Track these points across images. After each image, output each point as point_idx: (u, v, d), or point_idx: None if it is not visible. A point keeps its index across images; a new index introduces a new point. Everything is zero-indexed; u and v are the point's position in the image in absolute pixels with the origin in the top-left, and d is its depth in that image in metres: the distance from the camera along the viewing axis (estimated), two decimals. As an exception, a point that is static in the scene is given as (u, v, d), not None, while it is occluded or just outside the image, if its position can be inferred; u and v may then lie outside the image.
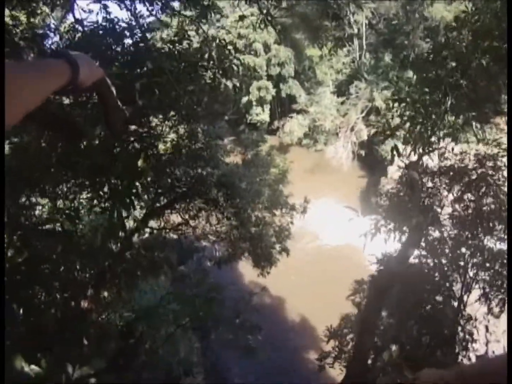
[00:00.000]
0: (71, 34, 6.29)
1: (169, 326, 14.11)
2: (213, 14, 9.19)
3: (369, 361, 9.31)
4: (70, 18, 8.02)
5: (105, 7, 7.68)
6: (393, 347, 9.20)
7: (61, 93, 1.46)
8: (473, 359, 9.53)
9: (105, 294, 12.86)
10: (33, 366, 5.57)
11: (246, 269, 22.32)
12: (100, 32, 5.53)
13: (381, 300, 8.64)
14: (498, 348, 15.64)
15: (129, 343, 10.12)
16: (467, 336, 9.38)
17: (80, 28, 6.42)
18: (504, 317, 9.91)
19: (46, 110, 4.03)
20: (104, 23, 5.91)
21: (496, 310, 9.17)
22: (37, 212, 9.29)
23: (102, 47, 5.29)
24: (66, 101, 5.11)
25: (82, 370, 6.65)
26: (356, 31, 44.81)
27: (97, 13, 8.04)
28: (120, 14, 7.74)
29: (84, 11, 7.93)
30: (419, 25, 41.03)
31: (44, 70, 1.31)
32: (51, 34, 7.75)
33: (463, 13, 8.05)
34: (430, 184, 9.30)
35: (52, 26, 7.94)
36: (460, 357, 9.18)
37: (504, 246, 8.95)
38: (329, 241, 33.11)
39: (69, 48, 5.50)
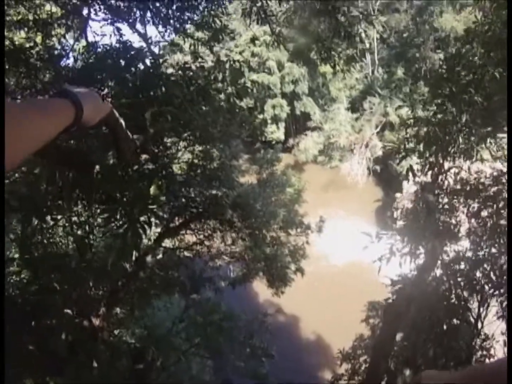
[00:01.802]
0: (85, 56, 6.34)
1: (182, 345, 14.05)
2: (225, 37, 9.23)
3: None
4: (83, 42, 8.13)
5: (118, 29, 7.78)
6: (407, 372, 9.02)
7: (65, 133, 1.42)
8: None
9: (118, 311, 12.85)
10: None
11: (260, 288, 22.18)
12: (113, 54, 5.56)
13: (397, 326, 8.50)
14: None
15: (142, 361, 10.08)
16: (484, 354, 9.19)
17: (93, 50, 6.50)
18: None
19: (61, 146, 4.06)
20: (117, 45, 5.95)
21: None
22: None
23: (115, 70, 5.31)
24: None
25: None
26: (368, 46, 44.89)
27: (110, 36, 8.15)
28: (132, 37, 7.84)
29: (97, 34, 8.03)
30: (429, 36, 41.05)
31: (47, 112, 1.28)
32: (66, 55, 7.87)
33: (474, 23, 7.96)
34: (446, 200, 9.17)
35: (67, 47, 8.03)
36: None
37: None
38: (344, 261, 32.84)
39: (83, 69, 5.55)
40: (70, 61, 7.72)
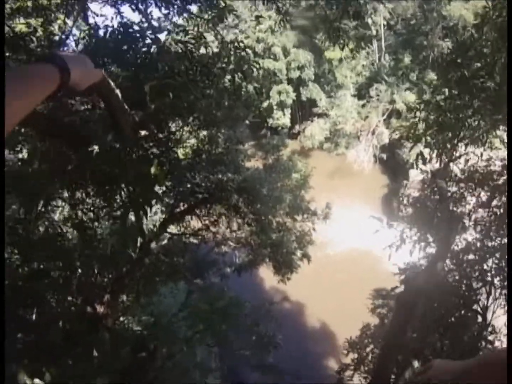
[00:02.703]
0: (86, 40, 6.21)
1: (187, 332, 14.02)
2: (229, 16, 9.02)
3: (393, 376, 9.06)
4: (84, 24, 7.98)
5: (119, 12, 7.60)
6: (416, 363, 8.91)
7: (52, 98, 1.36)
8: None
9: (124, 298, 12.81)
10: (36, 380, 5.41)
11: (266, 274, 22.12)
12: (114, 36, 5.40)
13: (408, 317, 8.37)
14: None
15: (146, 348, 10.01)
16: (492, 348, 9.10)
17: (94, 33, 6.35)
18: None
19: (53, 118, 3.91)
20: (118, 27, 5.79)
21: None
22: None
23: (117, 52, 5.17)
24: (75, 107, 5.03)
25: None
26: (374, 32, 44.49)
27: (112, 18, 7.98)
28: (133, 16, 7.66)
29: (97, 15, 7.87)
30: (437, 24, 40.57)
31: (31, 79, 1.24)
32: (67, 41, 7.73)
33: (485, 8, 7.74)
34: (454, 189, 9.01)
35: (67, 32, 7.89)
36: None
37: None
38: (352, 247, 32.75)
39: (85, 53, 5.41)
40: (72, 46, 7.61)
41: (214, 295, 15.82)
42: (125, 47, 5.04)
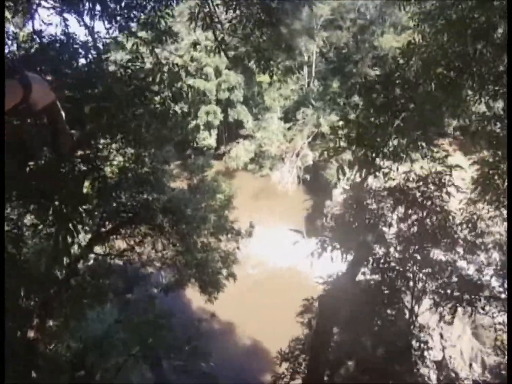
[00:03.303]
0: (29, 44, 6.11)
1: (119, 356, 13.69)
2: (168, 39, 9.14)
3: (326, 378, 9.31)
4: (29, 27, 7.82)
5: (65, 20, 7.51)
6: (350, 362, 9.22)
7: (12, 113, 1.43)
8: (431, 366, 9.72)
9: (51, 323, 12.38)
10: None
11: (193, 295, 21.98)
12: (57, 45, 5.38)
13: (332, 318, 8.69)
14: (455, 352, 15.95)
15: (80, 375, 9.68)
16: (422, 345, 9.56)
17: (38, 39, 6.25)
18: (457, 323, 10.23)
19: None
20: (62, 37, 5.77)
21: (448, 317, 9.39)
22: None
23: (57, 61, 5.15)
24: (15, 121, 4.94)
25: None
26: (306, 58, 45.77)
27: (56, 26, 7.85)
28: (78, 30, 7.60)
29: (44, 23, 7.73)
30: (368, 54, 42.43)
31: None
32: (9, 42, 7.52)
33: (411, 44, 8.35)
34: (374, 206, 9.48)
35: (11, 33, 7.69)
36: (418, 365, 9.37)
37: (450, 257, 9.26)
38: (276, 265, 33.21)
39: (24, 58, 5.35)
40: (13, 48, 7.41)
41: (143, 309, 15.62)
42: (65, 58, 5.04)
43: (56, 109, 2.66)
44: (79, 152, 4.50)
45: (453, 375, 15.36)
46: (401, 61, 8.50)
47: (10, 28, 8.02)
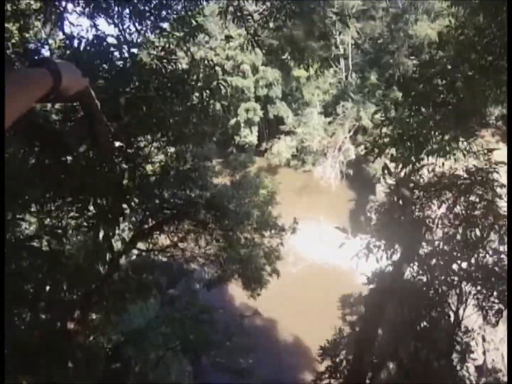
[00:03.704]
0: (61, 50, 6.24)
1: (159, 349, 13.89)
2: (200, 35, 9.17)
3: (367, 380, 9.19)
4: (60, 34, 8.00)
5: (94, 24, 7.67)
6: (391, 365, 9.06)
7: (44, 101, 1.44)
8: (472, 369, 9.44)
9: (93, 316, 12.65)
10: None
11: (236, 291, 22.12)
12: (89, 48, 5.47)
13: (378, 317, 8.55)
14: (497, 355, 15.47)
15: (117, 366, 9.87)
16: (464, 348, 9.31)
17: (69, 43, 6.39)
18: (500, 325, 9.88)
19: (33, 123, 3.95)
20: (93, 40, 5.87)
21: (492, 319, 9.08)
22: (25, 230, 9.11)
23: (92, 63, 5.24)
24: (53, 115, 5.05)
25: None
26: (342, 51, 45.41)
27: (87, 30, 8.03)
28: (108, 29, 7.74)
29: (74, 25, 7.90)
30: (403, 43, 41.72)
31: (25, 81, 1.31)
32: (42, 50, 7.73)
33: (447, 27, 8.10)
34: (419, 202, 9.27)
35: (43, 41, 7.89)
36: (459, 368, 9.13)
37: (498, 258, 8.94)
38: (319, 262, 33.00)
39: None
40: (47, 55, 7.59)
41: (185, 304, 15.80)
42: (99, 59, 5.11)
43: (90, 96, 2.69)
44: (118, 144, 4.53)
45: (494, 379, 14.90)
46: (437, 49, 8.26)
47: (42, 36, 8.22)
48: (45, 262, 7.03)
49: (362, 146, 32.41)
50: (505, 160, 8.01)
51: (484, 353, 14.57)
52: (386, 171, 8.13)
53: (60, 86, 1.43)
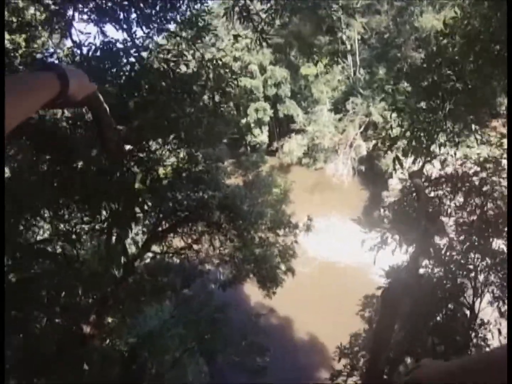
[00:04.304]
0: (70, 58, 6.28)
1: (175, 351, 13.93)
2: (208, 34, 9.19)
3: (385, 376, 9.14)
4: (68, 42, 8.05)
5: (102, 30, 7.70)
6: (408, 359, 8.99)
7: (51, 106, 1.42)
8: None
9: (109, 320, 12.73)
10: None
11: (251, 290, 22.08)
12: (97, 54, 5.49)
13: (394, 312, 8.49)
14: None
15: (133, 368, 9.94)
16: (480, 342, 9.24)
17: (78, 51, 6.43)
18: None
19: (44, 130, 3.98)
20: (101, 46, 5.89)
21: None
22: (38, 237, 9.20)
23: (100, 70, 5.26)
24: (63, 122, 5.08)
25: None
26: (349, 47, 45.19)
27: (95, 37, 8.08)
28: (116, 35, 7.77)
29: (82, 33, 7.95)
30: (410, 36, 41.42)
31: (32, 84, 1.29)
32: (50, 59, 7.78)
33: (452, 18, 8.04)
34: (432, 194, 9.22)
35: (51, 50, 7.95)
36: None
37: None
38: (335, 259, 32.84)
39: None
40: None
41: (200, 304, 15.85)
42: (108, 65, 5.12)
43: (99, 101, 2.70)
44: (128, 147, 4.55)
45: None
46: (444, 39, 8.19)
47: (50, 46, 8.28)
48: (60, 268, 7.10)
49: (374, 141, 32.28)
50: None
51: (501, 347, 14.45)
52: (397, 163, 8.08)
53: (67, 90, 1.42)
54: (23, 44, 7.08)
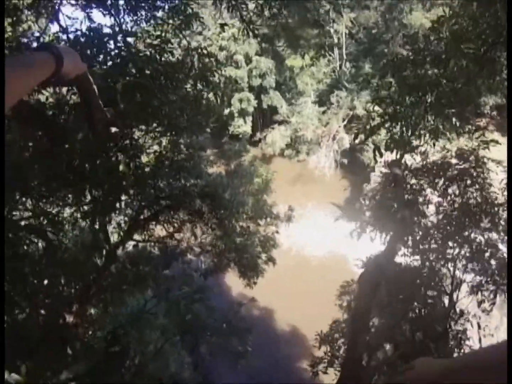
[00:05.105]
0: (56, 43, 6.25)
1: (157, 341, 13.95)
2: (196, 23, 9.18)
3: (363, 362, 9.29)
4: (54, 27, 7.99)
5: (89, 16, 7.65)
6: (387, 346, 9.15)
7: (46, 84, 1.49)
8: None
9: (92, 311, 12.70)
10: (13, 374, 5.41)
11: (232, 280, 22.19)
12: (84, 40, 5.49)
13: (371, 297, 8.66)
14: (492, 342, 15.59)
15: (115, 351, 9.94)
16: (459, 334, 9.42)
17: (64, 36, 6.40)
18: (495, 312, 9.99)
19: (31, 107, 3.99)
20: (88, 32, 5.87)
21: (486, 305, 9.21)
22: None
23: (87, 55, 5.26)
24: (50, 99, 5.08)
25: (62, 374, 6.49)
26: (336, 40, 45.31)
27: (81, 22, 8.01)
28: (103, 20, 7.73)
29: (69, 18, 7.88)
30: (398, 33, 41.62)
31: (30, 63, 1.36)
32: (36, 43, 7.71)
33: (441, 17, 8.15)
34: (413, 181, 9.36)
35: (37, 34, 7.88)
36: (455, 353, 9.23)
37: (491, 236, 9.07)
38: (315, 249, 33.14)
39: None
40: None
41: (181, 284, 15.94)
42: (95, 50, 5.13)
43: (88, 81, 2.74)
44: (114, 131, 4.56)
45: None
46: (431, 36, 8.30)
47: (35, 30, 8.21)
48: (46, 248, 7.07)
49: (355, 130, 32.48)
50: (503, 154, 8.13)
51: (480, 340, 14.74)
52: (377, 153, 8.17)
53: (61, 69, 1.48)
54: (9, 28, 7.02)
